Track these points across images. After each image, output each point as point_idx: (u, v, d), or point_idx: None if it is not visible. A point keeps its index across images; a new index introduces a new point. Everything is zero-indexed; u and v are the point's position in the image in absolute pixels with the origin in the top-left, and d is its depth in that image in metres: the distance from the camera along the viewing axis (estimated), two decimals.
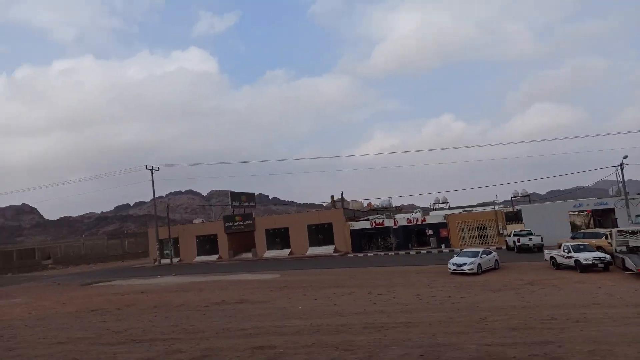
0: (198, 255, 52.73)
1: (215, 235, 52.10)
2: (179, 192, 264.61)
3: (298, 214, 49.82)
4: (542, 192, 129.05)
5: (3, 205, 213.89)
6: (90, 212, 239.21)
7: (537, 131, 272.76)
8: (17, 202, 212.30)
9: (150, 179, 52.00)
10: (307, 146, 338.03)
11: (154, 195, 53.54)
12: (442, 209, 58.18)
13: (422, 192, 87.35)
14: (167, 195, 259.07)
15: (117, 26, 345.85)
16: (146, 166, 51.20)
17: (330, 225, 46.75)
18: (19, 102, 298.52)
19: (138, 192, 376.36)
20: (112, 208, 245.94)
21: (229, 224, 51.09)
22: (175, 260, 52.22)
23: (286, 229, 48.51)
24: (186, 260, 52.17)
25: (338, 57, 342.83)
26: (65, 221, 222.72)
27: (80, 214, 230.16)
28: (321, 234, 47.71)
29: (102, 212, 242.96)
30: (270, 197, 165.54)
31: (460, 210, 48.16)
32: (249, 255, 50.78)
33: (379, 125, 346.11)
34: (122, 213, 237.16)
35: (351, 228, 45.64)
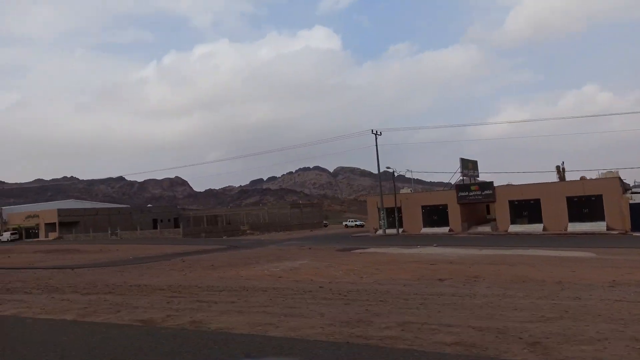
0: (424, 226, 49.12)
1: (445, 206, 47.67)
2: (307, 168, 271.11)
3: (554, 183, 42.47)
4: None
5: (160, 178, 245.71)
6: (229, 186, 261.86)
7: None
8: (172, 175, 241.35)
9: (374, 144, 50.26)
10: (428, 122, 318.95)
11: (377, 161, 51.49)
12: None
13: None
14: (296, 171, 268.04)
15: (248, 9, 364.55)
16: (372, 130, 50.24)
17: (598, 197, 38.50)
18: (167, 85, 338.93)
19: (266, 168, 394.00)
20: (248, 182, 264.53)
21: (463, 194, 46.13)
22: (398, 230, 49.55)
23: (536, 201, 41.57)
24: (410, 232, 48.95)
25: (466, 26, 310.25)
26: (210, 193, 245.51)
27: (221, 187, 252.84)
28: (585, 207, 39.72)
29: (240, 185, 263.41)
30: (395, 175, 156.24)
31: None
32: (485, 228, 45.37)
33: (508, 99, 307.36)
34: (257, 187, 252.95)
35: (630, 202, 36.87)
